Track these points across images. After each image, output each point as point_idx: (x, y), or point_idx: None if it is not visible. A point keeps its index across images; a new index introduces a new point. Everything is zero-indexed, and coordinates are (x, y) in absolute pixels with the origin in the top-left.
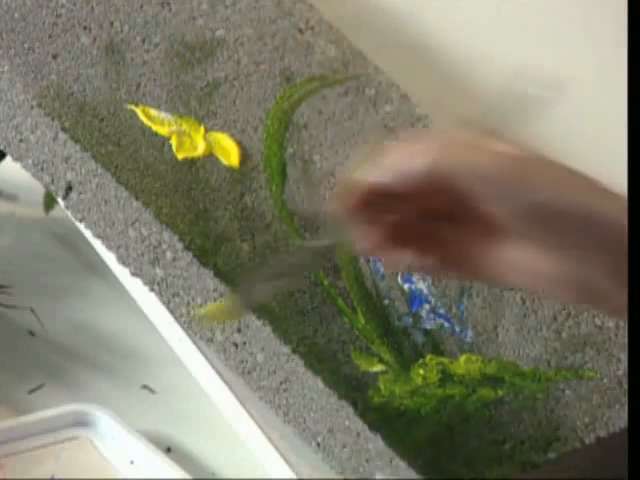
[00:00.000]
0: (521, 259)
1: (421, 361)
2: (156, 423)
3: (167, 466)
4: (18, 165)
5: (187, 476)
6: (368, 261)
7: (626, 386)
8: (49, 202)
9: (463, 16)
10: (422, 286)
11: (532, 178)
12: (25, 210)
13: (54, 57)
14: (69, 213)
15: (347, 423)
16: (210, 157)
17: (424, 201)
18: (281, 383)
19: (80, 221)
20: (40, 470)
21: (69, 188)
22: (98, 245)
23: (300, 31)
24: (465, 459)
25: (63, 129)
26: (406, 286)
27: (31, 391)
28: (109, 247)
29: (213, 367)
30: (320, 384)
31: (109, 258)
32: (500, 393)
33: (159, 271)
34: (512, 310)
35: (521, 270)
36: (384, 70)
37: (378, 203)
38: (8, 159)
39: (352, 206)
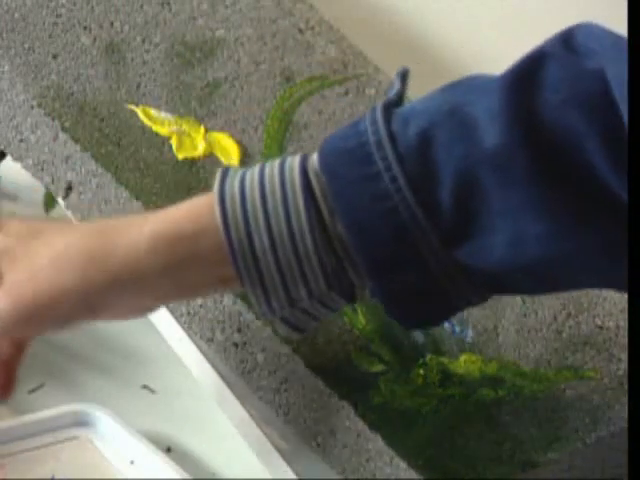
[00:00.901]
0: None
1: (421, 361)
2: (156, 423)
3: (167, 466)
4: (18, 165)
5: (187, 476)
6: None
7: (626, 386)
8: (49, 202)
9: (463, 16)
10: None
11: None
12: (25, 210)
13: (54, 57)
14: (69, 213)
15: (347, 423)
16: (210, 157)
17: None
18: (281, 383)
19: (80, 221)
20: (40, 470)
21: (69, 188)
22: None
23: (300, 31)
24: (465, 459)
25: (63, 129)
26: None
27: (31, 391)
28: None
29: (213, 367)
30: (320, 384)
31: None
32: (500, 393)
33: None
34: (512, 310)
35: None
36: (384, 70)
37: None
38: (8, 159)
39: None
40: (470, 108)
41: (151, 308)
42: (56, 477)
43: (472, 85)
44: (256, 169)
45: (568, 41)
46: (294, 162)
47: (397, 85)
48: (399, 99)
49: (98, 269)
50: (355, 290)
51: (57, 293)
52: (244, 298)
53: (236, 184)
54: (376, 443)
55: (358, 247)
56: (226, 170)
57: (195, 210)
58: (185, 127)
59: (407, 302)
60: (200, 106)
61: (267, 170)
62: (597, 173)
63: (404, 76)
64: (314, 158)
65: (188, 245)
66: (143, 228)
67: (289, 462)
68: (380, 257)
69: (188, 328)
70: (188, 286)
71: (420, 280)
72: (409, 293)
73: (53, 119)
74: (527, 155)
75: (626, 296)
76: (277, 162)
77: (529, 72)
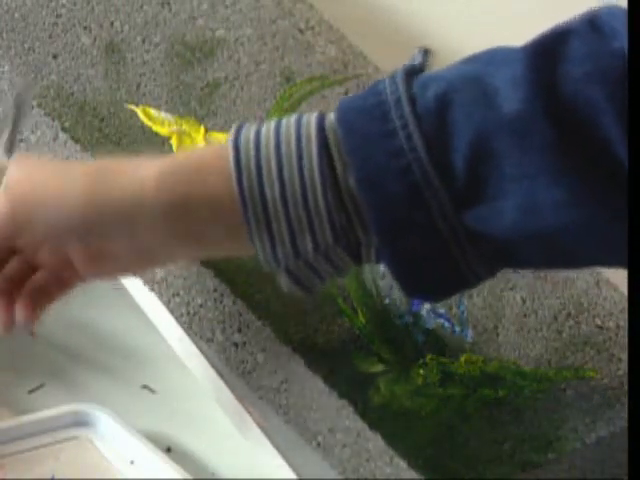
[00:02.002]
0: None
1: (421, 361)
2: (156, 423)
3: (167, 466)
4: None
5: (187, 476)
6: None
7: (626, 386)
8: None
9: (463, 16)
10: None
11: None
12: None
13: (54, 57)
14: None
15: (347, 423)
16: None
17: None
18: (281, 383)
19: None
20: (40, 470)
21: None
22: None
23: (300, 31)
24: (465, 459)
25: (63, 129)
26: None
27: (31, 391)
28: None
29: (213, 367)
30: (320, 384)
31: None
32: (500, 393)
33: (159, 271)
34: (512, 310)
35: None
36: (384, 70)
37: None
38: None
39: None
40: (491, 79)
41: (151, 260)
42: (56, 477)
43: (494, 57)
44: (272, 123)
45: (593, 21)
46: (311, 117)
47: (418, 58)
48: (420, 69)
49: (102, 193)
50: (361, 249)
51: (58, 200)
52: (244, 298)
53: (251, 134)
54: (376, 443)
55: (368, 203)
56: (242, 123)
57: (207, 156)
58: (185, 127)
59: (413, 266)
60: (200, 106)
61: (283, 123)
62: (611, 147)
63: (426, 52)
64: (331, 115)
65: (197, 189)
66: (152, 167)
67: (289, 462)
68: (390, 215)
69: (188, 328)
70: (192, 233)
71: (428, 242)
72: (416, 256)
73: (53, 119)
74: (546, 123)
75: (626, 296)
76: (293, 117)
77: (553, 45)
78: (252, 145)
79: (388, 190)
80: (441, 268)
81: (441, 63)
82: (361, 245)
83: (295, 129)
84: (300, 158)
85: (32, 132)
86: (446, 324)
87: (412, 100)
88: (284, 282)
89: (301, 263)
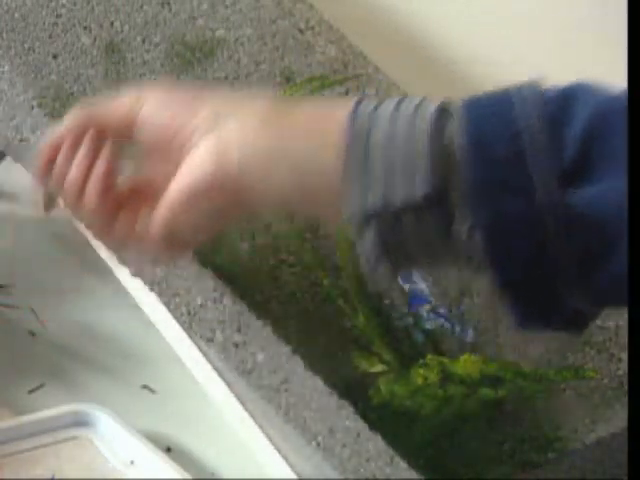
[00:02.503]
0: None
1: (421, 361)
2: (156, 423)
3: (167, 466)
4: (18, 165)
5: (187, 476)
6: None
7: (626, 386)
8: (49, 202)
9: (463, 16)
10: (422, 286)
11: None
12: (25, 210)
13: (54, 57)
14: (69, 213)
15: (347, 423)
16: None
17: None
18: (281, 383)
19: (79, 222)
20: (40, 470)
21: None
22: (98, 245)
23: (300, 31)
24: (465, 459)
25: None
26: (406, 286)
27: (31, 391)
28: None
29: (213, 367)
30: (320, 384)
31: (109, 258)
32: (500, 393)
33: (159, 271)
34: None
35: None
36: (384, 70)
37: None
38: (8, 159)
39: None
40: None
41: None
42: (56, 477)
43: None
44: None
45: None
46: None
47: None
48: None
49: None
50: (453, 226)
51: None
52: (244, 298)
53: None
54: (376, 443)
55: (470, 160)
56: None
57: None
58: None
59: (503, 236)
60: None
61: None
62: None
63: None
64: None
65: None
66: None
67: (289, 462)
68: (490, 173)
69: (188, 328)
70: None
71: (523, 212)
72: (508, 224)
73: (53, 119)
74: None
75: None
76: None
77: None
78: (373, 102)
79: (494, 151)
80: (531, 246)
81: (441, 63)
82: (453, 217)
83: (419, 98)
84: (416, 110)
85: (32, 132)
86: (446, 324)
87: (539, 89)
88: (370, 244)
89: (390, 217)
